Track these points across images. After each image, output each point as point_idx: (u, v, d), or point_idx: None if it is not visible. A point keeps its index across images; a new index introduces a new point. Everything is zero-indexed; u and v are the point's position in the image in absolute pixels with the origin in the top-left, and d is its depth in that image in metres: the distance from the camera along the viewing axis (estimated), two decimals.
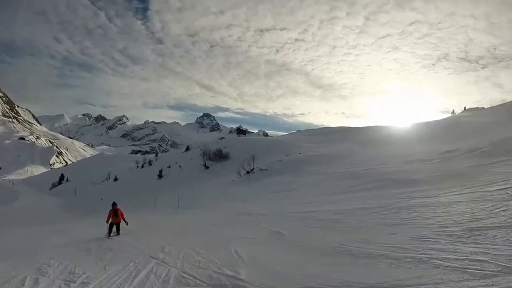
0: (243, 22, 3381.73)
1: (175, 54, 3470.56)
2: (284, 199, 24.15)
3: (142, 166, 78.52)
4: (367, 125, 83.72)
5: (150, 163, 78.17)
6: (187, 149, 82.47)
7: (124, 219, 15.79)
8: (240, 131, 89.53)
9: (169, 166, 68.06)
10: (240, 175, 44.22)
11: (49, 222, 30.46)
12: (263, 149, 59.37)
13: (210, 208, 26.46)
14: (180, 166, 66.95)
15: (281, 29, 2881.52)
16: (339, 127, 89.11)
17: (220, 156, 64.35)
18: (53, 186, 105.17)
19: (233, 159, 61.86)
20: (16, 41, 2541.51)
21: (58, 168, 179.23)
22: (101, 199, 60.15)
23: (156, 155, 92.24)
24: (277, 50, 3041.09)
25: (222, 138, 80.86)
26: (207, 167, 62.02)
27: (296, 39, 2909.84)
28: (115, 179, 74.39)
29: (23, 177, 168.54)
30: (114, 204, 15.96)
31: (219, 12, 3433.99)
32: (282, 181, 34.46)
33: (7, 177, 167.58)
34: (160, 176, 63.79)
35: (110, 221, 15.42)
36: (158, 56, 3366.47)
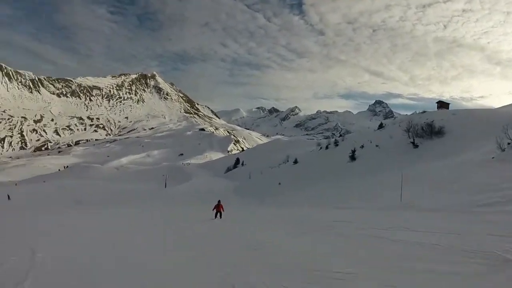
0: (402, 1, 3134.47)
1: (338, 43, 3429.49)
2: None
3: (327, 148, 65.44)
4: None
5: (336, 143, 64.54)
6: (381, 126, 66.44)
7: (223, 210, 22.85)
8: (442, 104, 70.03)
9: (362, 146, 53.32)
10: (503, 149, 26.87)
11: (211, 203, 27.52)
12: (489, 123, 41.09)
13: None
14: (377, 145, 51.54)
15: (445, 1, 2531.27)
16: None
17: (430, 132, 47.15)
18: (228, 169, 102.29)
19: (451, 134, 44.97)
20: (188, 51, 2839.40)
21: (234, 153, 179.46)
22: (279, 183, 50.27)
23: (341, 135, 78.19)
24: (444, 26, 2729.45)
25: (424, 112, 62.75)
26: (415, 146, 45.55)
27: (463, 10, 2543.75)
28: (295, 162, 63.36)
29: (201, 161, 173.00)
30: (219, 201, 23.23)
31: None
32: None
33: (187, 161, 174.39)
34: (352, 158, 49.71)
35: (216, 211, 22.78)
36: (321, 47, 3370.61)
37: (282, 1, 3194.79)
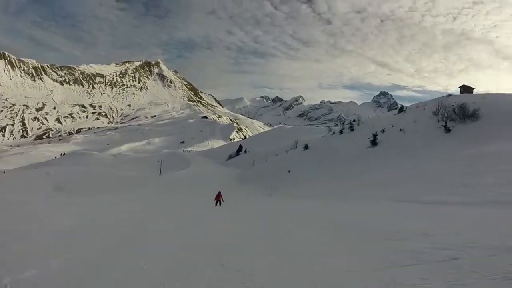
0: None
1: (345, 33, 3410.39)
2: None
3: (341, 132, 59.02)
4: None
5: (351, 128, 58.08)
6: (401, 110, 59.38)
7: (222, 200, 25.44)
8: (466, 88, 63.21)
9: (383, 131, 46.85)
10: None
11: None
12: None
13: None
14: (401, 129, 44.91)
15: None
16: None
17: (463, 115, 40.48)
18: (230, 157, 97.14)
19: (487, 119, 38.12)
20: (193, 39, 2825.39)
21: (237, 141, 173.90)
22: (288, 171, 45.02)
23: (355, 120, 71.63)
24: (453, 18, 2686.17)
25: (449, 95, 55.92)
26: (447, 130, 38.96)
27: (474, 2, 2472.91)
28: (306, 147, 57.65)
29: (203, 149, 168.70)
30: (219, 192, 26.06)
31: None
32: None
33: (188, 149, 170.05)
34: (373, 142, 43.34)
35: (216, 199, 25.32)
36: (328, 36, 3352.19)
37: None
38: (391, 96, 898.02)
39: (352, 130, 57.04)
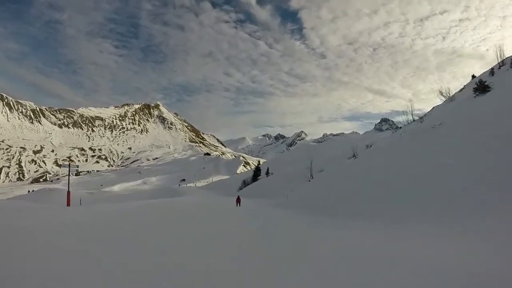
0: (399, 16, 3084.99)
1: (340, 65, 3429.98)
2: None
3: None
4: None
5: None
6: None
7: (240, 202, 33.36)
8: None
9: None
10: None
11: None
12: None
13: None
14: None
15: (441, 13, 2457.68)
16: None
17: None
18: (245, 184, 66.68)
19: None
20: (192, 82, 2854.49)
21: (248, 170, 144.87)
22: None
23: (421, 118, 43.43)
24: (443, 37, 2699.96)
25: None
26: None
27: (460, 20, 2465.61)
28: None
29: (205, 184, 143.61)
30: (238, 196, 36.23)
31: (372, 12, 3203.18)
32: None
33: (188, 185, 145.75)
34: None
35: (237, 202, 33.50)
36: (323, 70, 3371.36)
37: (283, 27, 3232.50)
38: (392, 122, 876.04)
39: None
